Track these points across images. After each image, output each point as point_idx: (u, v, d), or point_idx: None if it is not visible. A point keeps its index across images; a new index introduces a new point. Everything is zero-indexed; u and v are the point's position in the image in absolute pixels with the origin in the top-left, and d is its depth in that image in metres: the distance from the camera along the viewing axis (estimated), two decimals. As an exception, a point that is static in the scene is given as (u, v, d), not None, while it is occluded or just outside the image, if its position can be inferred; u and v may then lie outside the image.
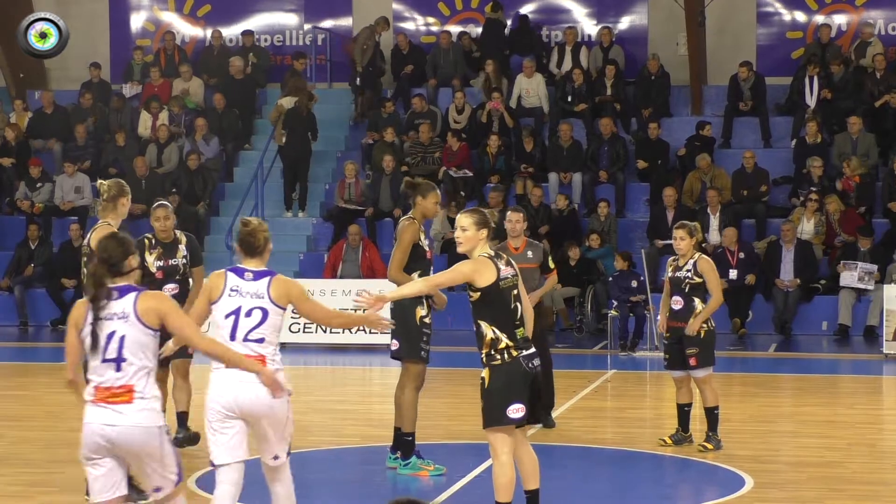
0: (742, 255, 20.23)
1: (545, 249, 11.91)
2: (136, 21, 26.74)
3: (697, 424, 11.54)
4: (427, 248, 10.00)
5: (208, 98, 24.92)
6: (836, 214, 20.84)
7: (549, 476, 8.66)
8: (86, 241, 9.21)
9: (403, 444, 10.05)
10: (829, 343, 19.77)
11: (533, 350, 7.93)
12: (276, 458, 7.25)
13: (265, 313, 7.14)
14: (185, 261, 10.81)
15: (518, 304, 7.92)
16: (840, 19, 24.35)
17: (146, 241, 10.75)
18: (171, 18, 26.59)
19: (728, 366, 17.46)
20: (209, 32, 26.03)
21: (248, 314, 7.13)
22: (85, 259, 9.14)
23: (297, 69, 24.57)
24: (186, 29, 26.60)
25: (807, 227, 20.94)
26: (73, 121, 24.70)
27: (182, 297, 10.55)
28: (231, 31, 26.21)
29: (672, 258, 11.42)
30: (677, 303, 11.22)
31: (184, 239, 10.90)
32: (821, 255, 20.81)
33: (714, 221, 21.11)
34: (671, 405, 11.85)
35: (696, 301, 11.18)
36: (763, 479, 10.09)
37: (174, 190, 22.67)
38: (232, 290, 7.19)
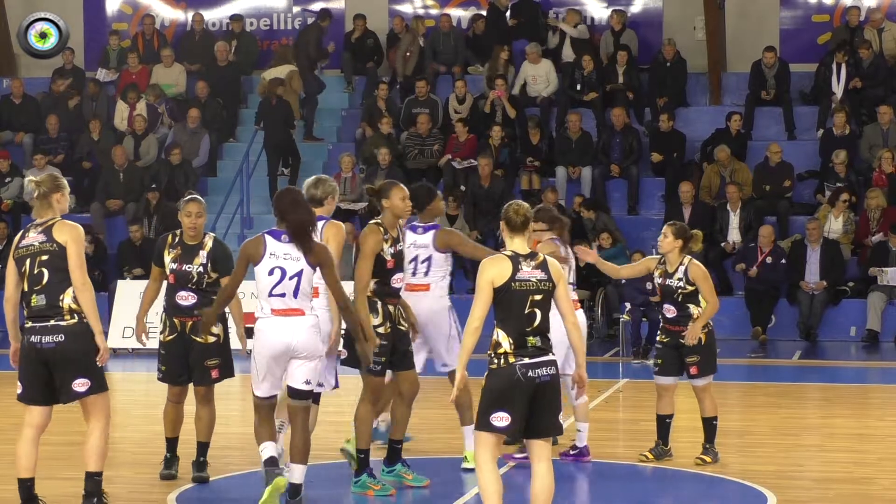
0: (770, 259, 20.16)
1: None
2: (112, 3, 26.71)
3: (683, 434, 11.42)
4: (389, 258, 9.90)
5: (190, 87, 24.89)
6: (878, 211, 20.76)
7: (555, 493, 8.62)
8: (40, 239, 8.79)
9: (359, 460, 10.05)
10: (858, 350, 19.76)
11: (541, 360, 7.90)
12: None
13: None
14: (201, 269, 10.09)
15: (537, 311, 7.90)
16: (870, 1, 24.29)
17: (169, 237, 10.33)
18: (150, 0, 26.56)
19: (749, 374, 17.45)
20: (190, 15, 26.02)
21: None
22: (44, 257, 8.73)
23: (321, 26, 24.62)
24: (166, 12, 26.58)
25: (834, 225, 20.90)
26: (44, 111, 24.69)
27: (198, 307, 10.07)
28: (214, 15, 26.20)
29: (659, 261, 11.27)
30: (670, 311, 11.14)
31: (209, 244, 10.25)
32: (849, 255, 20.79)
33: (734, 219, 21.08)
34: (686, 417, 11.83)
35: (692, 307, 11.09)
36: (787, 496, 10.07)
37: (153, 185, 22.64)
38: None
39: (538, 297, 7.93)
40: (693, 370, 11.12)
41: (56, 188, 8.99)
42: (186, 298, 10.13)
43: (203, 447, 10.43)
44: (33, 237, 8.90)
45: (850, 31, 23.49)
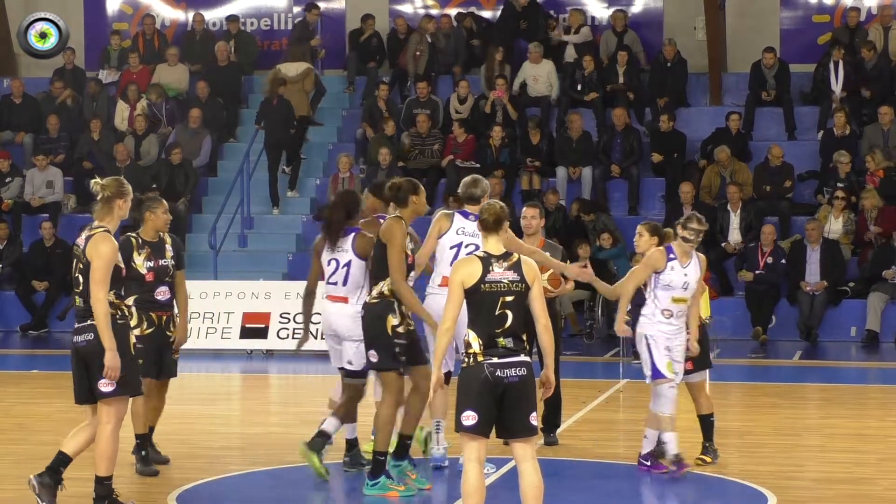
0: (770, 259, 20.19)
1: (564, 253, 11.88)
2: (113, 3, 26.71)
3: (683, 434, 11.42)
4: (410, 254, 9.97)
5: (191, 87, 24.89)
6: (874, 211, 20.76)
7: (554, 493, 8.66)
8: (81, 246, 8.96)
9: (377, 462, 10.00)
10: (858, 350, 19.77)
11: (511, 360, 7.88)
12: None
13: None
14: (172, 262, 10.69)
15: (508, 312, 7.89)
16: (870, 1, 24.30)
17: (133, 240, 10.58)
18: (151, 0, 26.56)
19: (750, 375, 17.45)
20: (191, 15, 26.02)
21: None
22: (80, 265, 8.93)
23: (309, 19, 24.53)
24: (167, 12, 26.58)
25: (834, 225, 20.91)
26: (44, 111, 24.69)
27: (172, 301, 10.67)
28: (214, 15, 26.20)
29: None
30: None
31: (169, 239, 10.80)
32: (849, 255, 20.80)
33: (735, 219, 21.08)
34: (686, 417, 11.83)
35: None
36: (787, 497, 10.08)
37: (154, 185, 22.64)
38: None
39: (510, 299, 7.91)
40: (688, 365, 11.13)
41: (120, 194, 9.12)
42: (164, 293, 10.62)
43: (151, 432, 10.81)
44: (80, 241, 9.11)
45: (851, 32, 23.49)
